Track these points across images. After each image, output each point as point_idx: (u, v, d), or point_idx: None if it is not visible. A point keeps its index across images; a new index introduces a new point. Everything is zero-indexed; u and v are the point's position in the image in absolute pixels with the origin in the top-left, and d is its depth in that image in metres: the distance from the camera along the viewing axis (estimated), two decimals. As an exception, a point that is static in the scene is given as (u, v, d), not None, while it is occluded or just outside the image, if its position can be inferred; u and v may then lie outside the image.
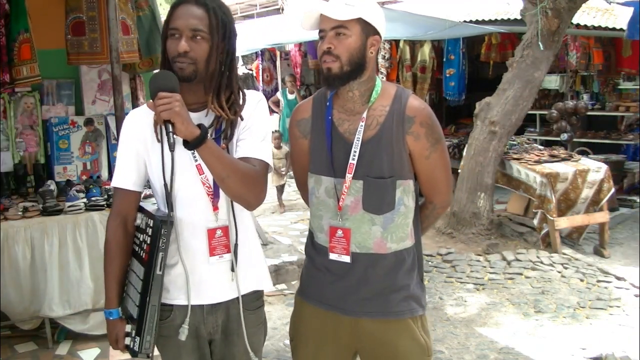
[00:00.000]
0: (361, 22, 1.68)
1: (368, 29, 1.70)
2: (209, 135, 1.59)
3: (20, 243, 3.27)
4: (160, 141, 1.67)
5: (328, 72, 1.70)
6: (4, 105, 3.80)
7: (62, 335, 3.56)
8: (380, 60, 8.21)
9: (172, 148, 1.55)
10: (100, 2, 3.72)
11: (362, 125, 1.74)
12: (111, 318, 1.76)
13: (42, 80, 3.86)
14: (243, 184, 1.64)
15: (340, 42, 1.68)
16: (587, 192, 5.58)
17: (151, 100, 1.57)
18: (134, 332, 1.70)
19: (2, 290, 3.25)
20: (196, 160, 1.67)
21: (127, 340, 1.73)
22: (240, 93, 1.74)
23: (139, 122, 1.74)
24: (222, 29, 1.65)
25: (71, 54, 3.79)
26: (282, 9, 11.38)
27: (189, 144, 1.55)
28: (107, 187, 3.69)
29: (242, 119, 1.71)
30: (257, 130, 1.72)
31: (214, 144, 1.60)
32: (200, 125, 1.57)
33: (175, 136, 1.55)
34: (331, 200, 1.77)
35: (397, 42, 8.12)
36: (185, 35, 1.61)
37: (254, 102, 1.75)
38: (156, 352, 1.81)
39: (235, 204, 1.72)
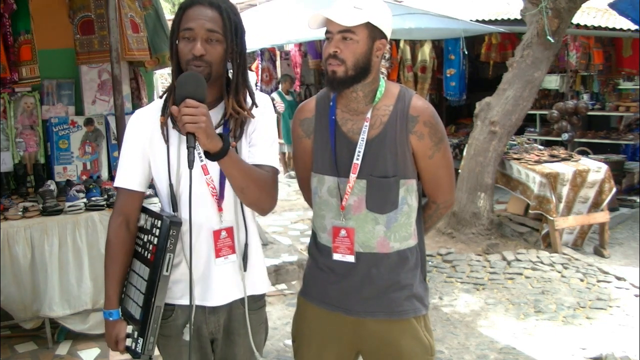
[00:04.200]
0: (369, 26, 1.66)
1: (375, 33, 1.69)
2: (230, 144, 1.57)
3: (20, 243, 3.27)
4: (167, 141, 1.66)
5: (333, 76, 1.69)
6: (4, 105, 3.80)
7: (62, 335, 3.56)
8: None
9: (191, 165, 1.51)
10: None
11: (366, 125, 1.73)
12: (111, 319, 1.73)
13: (42, 80, 3.87)
14: (260, 193, 1.66)
15: (347, 46, 1.66)
16: (586, 192, 5.57)
17: (175, 107, 1.52)
18: (136, 333, 1.68)
19: (3, 290, 3.25)
20: (202, 161, 1.65)
21: (127, 342, 1.70)
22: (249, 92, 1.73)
23: (145, 121, 1.72)
24: (234, 30, 1.63)
25: (81, 54, 3.79)
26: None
27: (210, 156, 1.54)
28: (107, 187, 3.69)
29: (252, 117, 1.70)
30: (268, 136, 1.72)
31: (235, 155, 1.59)
32: (222, 136, 1.55)
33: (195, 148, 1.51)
34: (334, 200, 1.77)
35: (397, 42, 8.11)
36: (201, 38, 1.58)
37: (263, 104, 1.74)
38: (156, 352, 1.81)
39: (244, 206, 1.72)
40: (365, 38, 1.67)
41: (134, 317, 1.70)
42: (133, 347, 1.68)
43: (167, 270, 1.63)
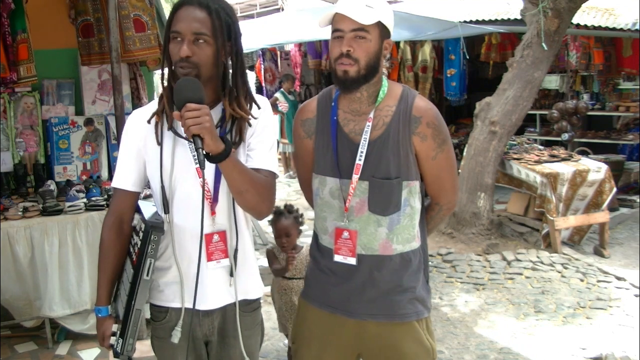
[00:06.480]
0: (379, 25, 1.66)
1: (384, 33, 1.69)
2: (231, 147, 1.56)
3: (20, 243, 3.27)
4: (160, 143, 1.66)
5: (344, 76, 1.67)
6: (4, 105, 3.80)
7: (62, 335, 3.56)
8: (381, 60, 8.19)
9: (202, 166, 1.50)
10: (103, 3, 3.74)
11: (369, 126, 1.72)
12: (99, 315, 1.77)
13: (42, 80, 3.88)
14: (259, 197, 1.64)
15: (360, 45, 1.65)
16: (585, 190, 5.57)
17: (177, 112, 1.51)
18: (118, 332, 1.70)
19: (3, 290, 3.25)
20: (196, 163, 1.63)
21: (112, 340, 1.73)
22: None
23: (141, 122, 1.72)
24: (226, 30, 1.61)
25: (83, 55, 3.91)
26: (282, 9, 11.37)
27: (212, 158, 1.52)
28: (107, 187, 3.69)
29: (249, 125, 1.68)
30: (267, 140, 1.71)
31: (236, 157, 1.59)
32: (223, 138, 1.54)
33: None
34: (336, 202, 1.76)
35: (397, 42, 8.12)
36: (187, 39, 1.57)
37: (262, 107, 1.73)
38: (152, 353, 1.82)
39: (237, 210, 1.71)
40: (377, 37, 1.66)
41: (119, 317, 1.72)
42: (115, 346, 1.71)
43: (147, 275, 1.63)
